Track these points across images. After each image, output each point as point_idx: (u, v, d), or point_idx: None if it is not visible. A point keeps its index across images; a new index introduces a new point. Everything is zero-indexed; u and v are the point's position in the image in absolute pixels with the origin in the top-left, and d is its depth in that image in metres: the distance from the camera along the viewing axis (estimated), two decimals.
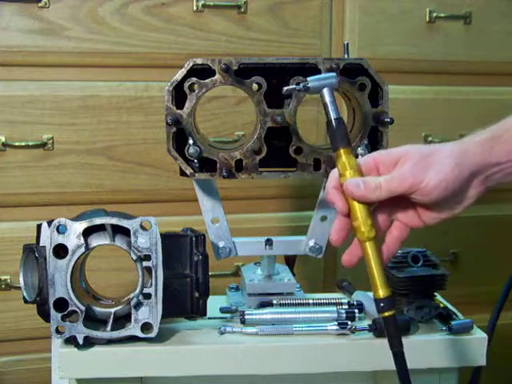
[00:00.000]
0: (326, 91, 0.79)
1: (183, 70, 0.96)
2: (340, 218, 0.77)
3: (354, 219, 0.76)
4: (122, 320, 0.94)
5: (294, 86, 0.85)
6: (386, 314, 0.75)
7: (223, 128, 1.39)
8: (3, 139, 1.29)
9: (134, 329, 0.92)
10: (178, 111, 0.96)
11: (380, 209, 0.79)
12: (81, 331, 0.91)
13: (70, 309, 0.91)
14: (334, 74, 0.81)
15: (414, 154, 0.76)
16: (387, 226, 0.80)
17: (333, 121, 0.78)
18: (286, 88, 0.87)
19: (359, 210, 0.75)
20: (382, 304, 0.75)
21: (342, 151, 0.77)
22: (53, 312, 0.91)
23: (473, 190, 0.78)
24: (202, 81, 0.96)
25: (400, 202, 0.78)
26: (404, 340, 0.95)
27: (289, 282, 1.07)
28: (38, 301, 0.92)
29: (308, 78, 0.80)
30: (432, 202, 0.76)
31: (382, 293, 0.75)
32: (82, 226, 0.91)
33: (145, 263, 0.92)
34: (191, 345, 0.95)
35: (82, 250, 0.92)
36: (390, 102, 0.99)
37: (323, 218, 1.06)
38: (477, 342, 0.97)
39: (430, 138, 1.49)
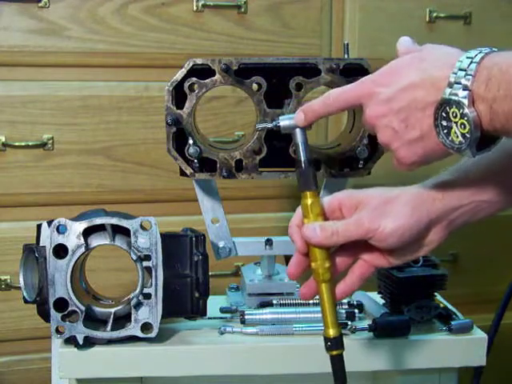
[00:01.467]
0: (298, 132, 0.79)
1: (183, 70, 0.96)
2: (298, 254, 0.79)
3: (312, 260, 0.78)
4: (122, 320, 0.94)
5: (265, 125, 0.87)
6: (334, 352, 0.78)
7: (223, 128, 1.39)
8: (3, 139, 1.29)
9: (133, 329, 0.92)
10: (178, 111, 0.96)
11: (345, 248, 0.79)
12: (81, 331, 0.91)
13: (70, 309, 0.91)
14: None
15: (373, 199, 0.77)
16: (349, 265, 0.80)
17: (302, 162, 0.79)
18: (257, 126, 0.90)
19: (318, 252, 0.77)
20: (329, 343, 0.78)
21: (308, 194, 0.78)
22: (53, 312, 0.91)
23: (434, 236, 0.78)
24: (202, 81, 0.96)
25: (366, 242, 0.78)
26: (404, 340, 0.96)
27: (289, 282, 1.07)
28: (37, 301, 0.92)
29: (280, 117, 0.81)
30: (389, 247, 0.77)
31: (331, 332, 0.78)
32: (81, 225, 0.92)
33: (145, 263, 0.92)
34: (191, 345, 0.95)
35: (82, 250, 0.92)
36: None
37: None
38: (477, 342, 0.97)
39: None
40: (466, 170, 0.79)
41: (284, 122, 0.80)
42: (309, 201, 0.77)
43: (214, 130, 1.37)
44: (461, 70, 0.67)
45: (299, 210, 0.79)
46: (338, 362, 0.78)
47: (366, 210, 0.76)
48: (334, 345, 0.78)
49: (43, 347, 1.27)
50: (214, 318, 1.01)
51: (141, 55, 1.34)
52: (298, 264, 0.79)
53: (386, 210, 0.76)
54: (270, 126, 0.84)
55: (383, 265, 0.80)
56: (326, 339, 0.78)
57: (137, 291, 0.93)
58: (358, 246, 0.79)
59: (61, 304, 0.91)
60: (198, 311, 0.96)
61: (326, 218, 0.78)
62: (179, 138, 0.97)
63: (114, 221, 0.92)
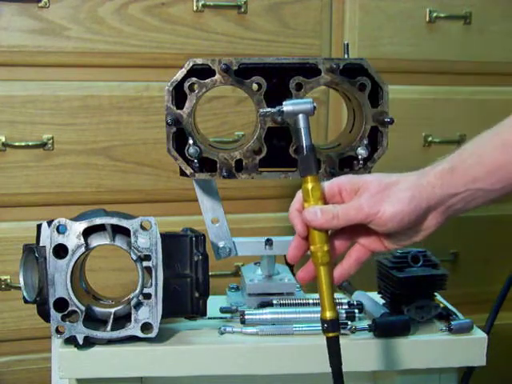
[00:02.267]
0: (300, 117, 0.80)
1: (183, 70, 0.96)
2: (298, 238, 0.80)
3: (311, 243, 0.79)
4: (122, 320, 0.94)
5: (269, 109, 0.87)
6: (330, 334, 0.79)
7: (223, 128, 1.39)
8: (3, 139, 1.29)
9: (134, 329, 0.92)
10: (178, 111, 0.96)
11: (342, 231, 0.81)
12: (81, 331, 0.91)
13: (70, 309, 0.91)
14: (310, 99, 0.81)
15: (373, 184, 0.78)
16: (347, 248, 0.82)
17: (304, 147, 0.79)
18: (261, 110, 0.89)
19: (317, 236, 0.78)
20: (326, 325, 0.78)
21: (309, 178, 0.79)
22: (53, 312, 0.91)
23: (432, 221, 0.79)
24: (202, 81, 0.96)
25: (363, 226, 0.79)
26: (404, 340, 0.96)
27: (289, 282, 1.07)
28: (38, 301, 0.92)
29: (284, 102, 0.81)
30: (388, 232, 0.78)
31: (328, 315, 0.78)
32: (82, 225, 0.91)
33: (145, 263, 0.92)
34: (191, 345, 0.95)
35: (82, 250, 0.92)
36: (390, 102, 0.99)
37: None
38: (477, 342, 0.97)
39: (430, 138, 1.49)
40: (462, 159, 0.79)
41: (287, 107, 0.80)
42: (309, 185, 0.78)
43: (213, 130, 1.37)
44: None
45: (299, 194, 0.80)
46: (333, 345, 0.78)
47: (366, 195, 0.77)
48: (331, 327, 0.78)
49: (43, 347, 1.27)
50: (214, 318, 1.01)
51: (141, 55, 1.34)
52: (297, 247, 0.81)
53: (385, 196, 0.77)
54: (273, 111, 0.84)
55: (380, 249, 0.81)
56: (323, 321, 0.79)
57: (137, 291, 0.93)
58: (355, 230, 0.80)
59: (61, 304, 0.91)
60: (198, 311, 0.96)
61: (325, 203, 0.79)
62: (179, 137, 0.97)
63: (114, 221, 0.92)
